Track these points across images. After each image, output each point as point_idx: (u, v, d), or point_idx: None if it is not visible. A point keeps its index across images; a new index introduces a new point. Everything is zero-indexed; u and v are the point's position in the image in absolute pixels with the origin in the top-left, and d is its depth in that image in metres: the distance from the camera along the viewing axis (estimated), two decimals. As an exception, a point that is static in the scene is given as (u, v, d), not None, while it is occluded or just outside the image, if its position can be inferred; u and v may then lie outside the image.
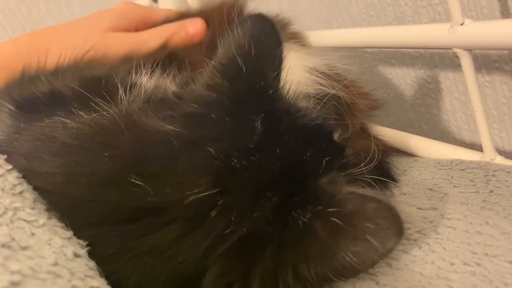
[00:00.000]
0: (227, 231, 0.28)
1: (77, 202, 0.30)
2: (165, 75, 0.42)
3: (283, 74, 0.35)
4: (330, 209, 0.29)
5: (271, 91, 0.34)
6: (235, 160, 0.29)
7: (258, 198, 0.29)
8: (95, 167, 0.30)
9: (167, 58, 0.50)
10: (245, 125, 0.31)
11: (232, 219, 0.28)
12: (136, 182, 0.28)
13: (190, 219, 0.28)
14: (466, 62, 0.46)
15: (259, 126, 0.31)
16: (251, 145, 0.30)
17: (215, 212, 0.28)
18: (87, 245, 0.28)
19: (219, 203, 0.28)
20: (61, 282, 0.24)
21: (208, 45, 0.51)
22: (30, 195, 0.30)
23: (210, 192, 0.28)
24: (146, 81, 0.40)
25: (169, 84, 0.40)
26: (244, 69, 0.33)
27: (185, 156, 0.30)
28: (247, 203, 0.29)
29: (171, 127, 0.31)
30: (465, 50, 0.46)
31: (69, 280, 0.25)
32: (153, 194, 0.28)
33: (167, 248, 0.28)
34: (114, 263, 0.28)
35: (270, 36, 0.35)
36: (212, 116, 0.32)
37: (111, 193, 0.29)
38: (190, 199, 0.28)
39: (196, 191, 0.28)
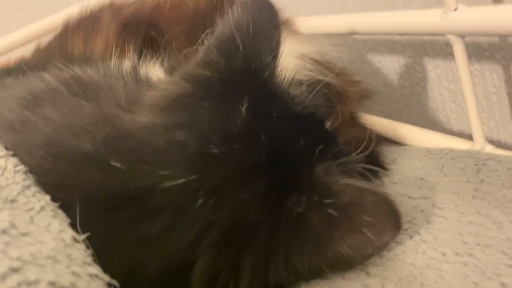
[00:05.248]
0: (213, 219, 0.28)
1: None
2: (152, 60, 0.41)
3: (280, 59, 0.35)
4: (326, 200, 0.28)
5: (266, 74, 0.33)
6: (212, 146, 0.29)
7: (241, 185, 0.29)
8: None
9: (153, 42, 0.49)
10: (229, 110, 0.31)
11: (217, 207, 0.28)
12: (116, 165, 0.28)
13: (175, 208, 0.28)
14: (458, 49, 0.46)
15: (244, 111, 0.30)
16: (234, 131, 0.30)
17: (199, 200, 0.28)
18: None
19: (201, 191, 0.28)
20: (60, 267, 0.23)
21: (194, 28, 0.50)
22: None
23: (187, 179, 0.28)
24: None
25: (157, 69, 0.39)
26: (241, 47, 0.33)
27: (155, 142, 0.29)
28: (231, 190, 0.28)
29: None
30: (458, 36, 0.45)
31: (68, 266, 0.24)
32: (135, 179, 0.28)
33: (155, 238, 0.28)
34: (104, 255, 0.27)
35: (269, 18, 0.35)
36: (194, 100, 0.31)
37: (96, 174, 0.28)
38: (167, 186, 0.28)
39: (170, 178, 0.28)
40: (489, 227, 0.34)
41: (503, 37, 0.53)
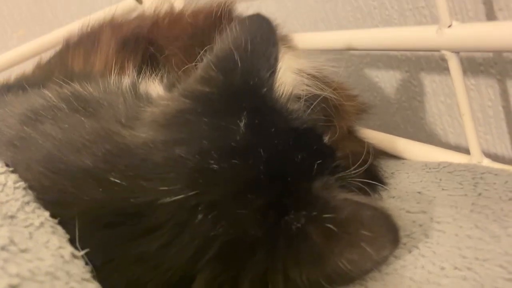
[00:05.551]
0: (212, 235, 0.28)
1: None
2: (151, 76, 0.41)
3: (277, 75, 0.35)
4: (325, 215, 0.29)
5: (264, 89, 0.34)
6: (212, 162, 0.29)
7: (240, 200, 0.29)
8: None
9: (152, 59, 0.49)
10: (228, 125, 0.31)
11: (217, 222, 0.28)
12: (116, 180, 0.28)
13: (174, 224, 0.28)
14: (454, 64, 0.46)
15: (243, 127, 0.31)
16: (233, 146, 0.30)
17: (198, 216, 0.28)
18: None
19: (200, 206, 0.28)
20: (59, 284, 0.24)
21: (193, 45, 0.50)
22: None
23: (186, 194, 0.28)
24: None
25: (157, 85, 0.40)
26: (239, 63, 0.33)
27: (154, 158, 0.29)
28: (230, 206, 0.29)
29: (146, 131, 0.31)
30: (452, 52, 0.46)
31: (67, 282, 0.24)
32: (134, 195, 0.28)
33: (154, 254, 0.27)
34: (103, 271, 0.27)
35: (267, 35, 0.35)
36: (194, 116, 0.32)
37: (95, 191, 0.28)
38: (166, 201, 0.28)
39: (169, 194, 0.28)
40: (487, 241, 0.34)
41: (498, 52, 0.54)
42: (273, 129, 0.32)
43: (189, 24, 0.55)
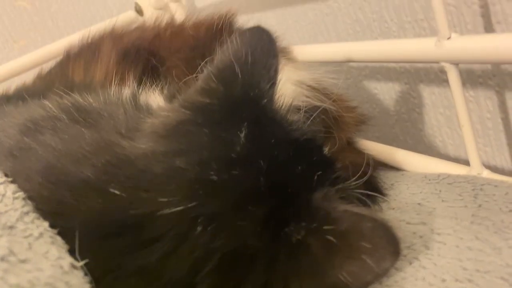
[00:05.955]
0: (212, 246, 0.28)
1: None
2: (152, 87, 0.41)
3: (277, 87, 0.35)
4: (325, 227, 0.28)
5: (264, 101, 0.34)
6: (211, 173, 0.29)
7: (240, 211, 0.29)
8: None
9: (153, 70, 0.50)
10: (228, 136, 0.31)
11: (216, 234, 0.28)
12: (116, 192, 0.28)
13: (174, 235, 0.28)
14: (453, 76, 0.46)
15: (243, 138, 0.31)
16: (233, 157, 0.30)
17: (197, 228, 0.28)
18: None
19: (200, 218, 0.28)
20: None
21: (194, 57, 0.51)
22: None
23: (186, 206, 0.28)
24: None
25: (157, 96, 0.40)
26: (240, 75, 0.33)
27: (154, 169, 0.29)
28: (230, 217, 0.28)
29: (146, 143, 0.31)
30: (452, 64, 0.46)
31: None
32: (134, 207, 0.28)
33: (153, 266, 0.27)
34: (102, 282, 0.27)
35: (267, 47, 0.35)
36: (194, 127, 0.32)
37: (95, 201, 0.28)
38: (166, 213, 0.28)
39: (169, 205, 0.28)
40: (488, 253, 0.34)
41: (496, 64, 0.55)
42: (273, 140, 0.32)
43: (191, 36, 0.55)
